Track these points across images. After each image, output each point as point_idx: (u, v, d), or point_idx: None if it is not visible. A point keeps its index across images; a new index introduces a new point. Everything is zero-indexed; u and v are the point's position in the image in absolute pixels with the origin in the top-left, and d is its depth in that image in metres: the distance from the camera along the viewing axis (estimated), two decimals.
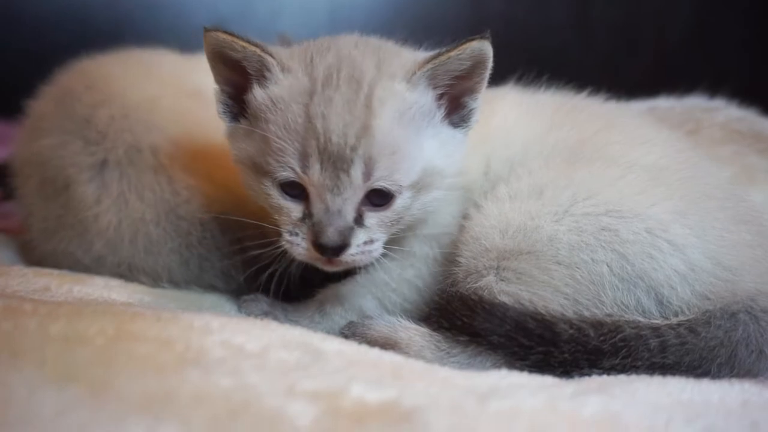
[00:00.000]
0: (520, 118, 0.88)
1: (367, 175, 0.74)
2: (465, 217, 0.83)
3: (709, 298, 0.70)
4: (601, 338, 0.66)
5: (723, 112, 1.20)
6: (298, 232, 0.77)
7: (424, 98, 0.78)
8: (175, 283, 0.96)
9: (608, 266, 0.71)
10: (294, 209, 0.77)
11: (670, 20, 2.08)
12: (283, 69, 0.77)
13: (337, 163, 0.73)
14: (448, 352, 0.71)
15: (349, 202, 0.75)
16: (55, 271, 0.95)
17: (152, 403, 0.49)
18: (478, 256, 0.76)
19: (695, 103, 1.22)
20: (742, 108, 1.25)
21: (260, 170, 0.77)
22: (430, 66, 0.77)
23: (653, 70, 2.11)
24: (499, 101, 0.91)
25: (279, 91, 0.76)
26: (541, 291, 0.71)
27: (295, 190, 0.76)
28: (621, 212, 0.73)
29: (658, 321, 0.69)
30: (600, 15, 2.02)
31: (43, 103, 1.03)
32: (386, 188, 0.75)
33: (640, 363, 0.66)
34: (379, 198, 0.76)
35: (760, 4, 2.11)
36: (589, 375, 0.65)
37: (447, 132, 0.80)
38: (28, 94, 1.09)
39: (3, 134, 1.20)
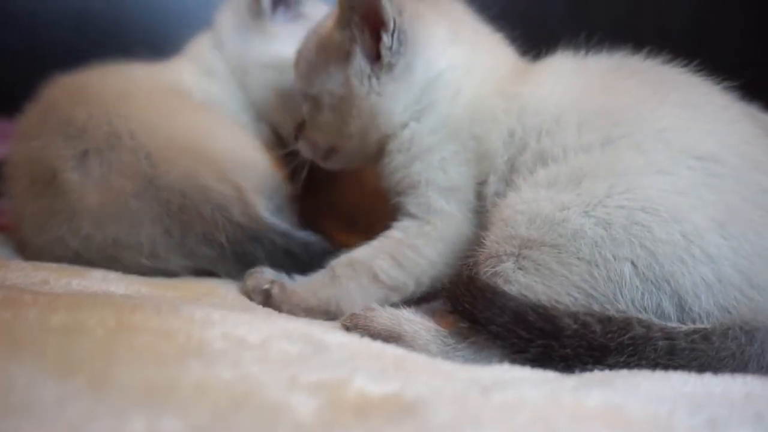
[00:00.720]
0: (557, 83, 0.85)
1: None
2: (498, 194, 0.83)
3: (730, 312, 0.67)
4: (609, 335, 0.65)
5: None
6: None
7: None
8: (158, 256, 1.00)
9: (633, 264, 0.68)
10: None
11: (671, 16, 2.08)
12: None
13: None
14: (454, 347, 0.70)
15: None
16: (54, 265, 0.95)
17: (153, 395, 0.48)
18: (501, 240, 0.74)
19: None
20: (744, 104, 1.24)
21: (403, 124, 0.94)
22: None
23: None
24: (537, 71, 0.90)
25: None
26: (556, 285, 0.69)
27: None
28: (658, 211, 0.69)
29: (672, 324, 0.66)
30: (600, 10, 2.02)
31: (28, 116, 1.10)
32: None
33: (644, 363, 0.64)
34: None
35: (760, 2, 2.10)
36: (591, 371, 0.64)
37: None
38: (28, 92, 1.11)
39: (4, 132, 1.21)
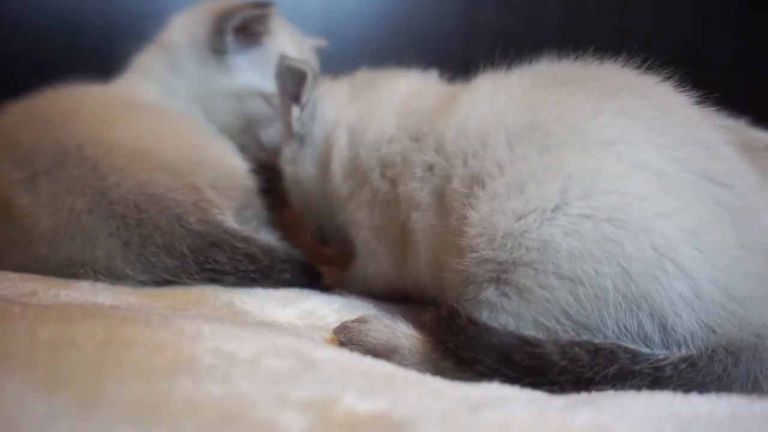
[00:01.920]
0: (475, 106, 0.83)
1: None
2: (431, 226, 0.86)
3: (715, 332, 0.64)
4: (595, 368, 0.62)
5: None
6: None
7: None
8: (115, 272, 0.97)
9: (612, 281, 0.64)
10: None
11: (660, 33, 2.11)
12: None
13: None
14: (447, 368, 0.68)
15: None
16: (42, 276, 0.94)
17: (142, 411, 0.48)
18: (474, 265, 0.71)
19: None
20: (731, 118, 1.26)
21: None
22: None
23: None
24: (454, 99, 0.89)
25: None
26: (543, 310, 0.66)
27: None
28: (625, 222, 0.65)
29: (659, 353, 0.64)
30: (591, 27, 2.04)
31: None
32: None
33: (629, 388, 0.63)
34: None
35: (750, 18, 2.14)
36: (578, 392, 0.63)
37: None
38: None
39: None
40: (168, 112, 1.17)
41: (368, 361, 0.68)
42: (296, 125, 1.09)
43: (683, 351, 0.64)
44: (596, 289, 0.65)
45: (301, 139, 1.09)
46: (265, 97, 1.23)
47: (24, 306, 0.69)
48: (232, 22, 1.18)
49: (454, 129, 0.83)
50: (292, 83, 1.08)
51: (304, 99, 1.08)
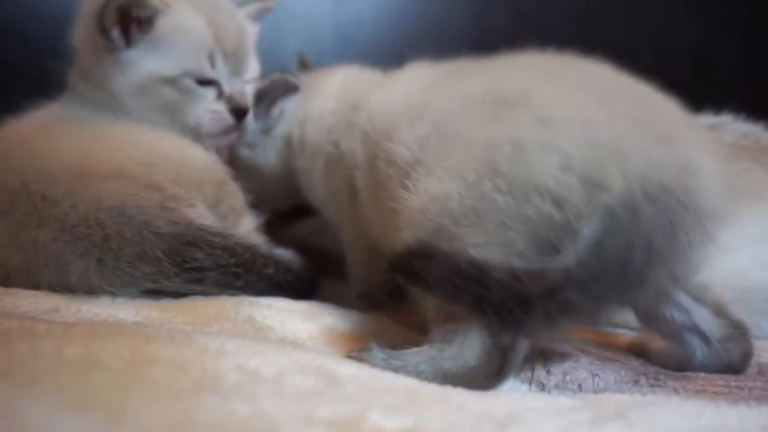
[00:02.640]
0: (399, 88, 0.98)
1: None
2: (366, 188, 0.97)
3: (603, 186, 0.67)
4: (531, 283, 0.65)
5: (730, 128, 1.19)
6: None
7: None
8: (94, 290, 0.95)
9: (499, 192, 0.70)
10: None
11: (671, 38, 2.10)
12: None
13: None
14: (440, 353, 0.71)
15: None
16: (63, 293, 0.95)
17: (169, 431, 0.48)
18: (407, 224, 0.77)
19: (703, 121, 1.22)
20: (749, 123, 1.25)
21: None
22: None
23: (654, 86, 2.12)
24: (389, 81, 1.04)
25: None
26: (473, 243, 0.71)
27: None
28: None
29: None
30: (600, 33, 2.04)
31: None
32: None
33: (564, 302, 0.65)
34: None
35: (761, 23, 2.12)
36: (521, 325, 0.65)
37: None
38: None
39: None
40: (103, 125, 1.09)
41: (389, 377, 0.68)
42: (251, 135, 1.19)
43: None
44: (493, 206, 0.71)
45: (263, 130, 1.19)
46: (169, 81, 1.09)
47: (49, 324, 0.70)
48: (109, 18, 1.05)
49: (381, 105, 0.97)
50: (276, 94, 1.17)
51: (275, 108, 1.18)
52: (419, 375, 0.69)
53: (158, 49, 1.08)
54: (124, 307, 0.92)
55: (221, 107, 1.12)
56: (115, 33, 1.07)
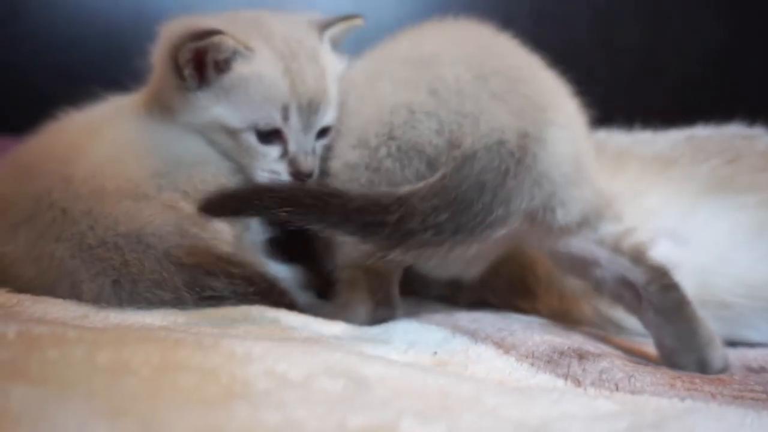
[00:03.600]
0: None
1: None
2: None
3: (458, 145, 0.84)
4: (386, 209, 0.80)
5: (762, 140, 1.18)
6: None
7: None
8: (105, 307, 0.93)
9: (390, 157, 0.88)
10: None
11: (695, 44, 2.07)
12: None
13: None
14: (338, 313, 0.93)
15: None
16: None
17: None
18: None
19: (734, 132, 1.21)
20: None
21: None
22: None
23: (677, 92, 2.10)
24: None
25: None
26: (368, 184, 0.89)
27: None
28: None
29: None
30: (623, 35, 2.02)
31: None
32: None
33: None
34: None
35: None
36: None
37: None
38: (42, 110, 1.10)
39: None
40: (137, 125, 1.05)
41: (419, 377, 0.67)
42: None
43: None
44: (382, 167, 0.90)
45: None
46: (232, 133, 1.00)
47: (79, 330, 0.70)
48: (183, 57, 0.97)
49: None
50: None
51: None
52: (325, 317, 0.94)
53: (228, 97, 0.98)
54: (151, 312, 0.93)
55: (282, 168, 1.00)
56: (188, 72, 0.98)
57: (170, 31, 1.01)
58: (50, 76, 1.98)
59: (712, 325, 0.90)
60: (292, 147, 1.00)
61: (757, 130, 1.22)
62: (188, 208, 0.96)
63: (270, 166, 1.00)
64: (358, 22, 1.11)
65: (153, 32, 1.04)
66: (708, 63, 1.99)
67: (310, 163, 1.00)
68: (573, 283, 1.10)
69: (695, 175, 1.10)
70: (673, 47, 2.02)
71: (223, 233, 0.98)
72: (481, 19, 1.10)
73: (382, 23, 2.02)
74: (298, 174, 1.00)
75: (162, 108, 1.04)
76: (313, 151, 1.01)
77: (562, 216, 0.88)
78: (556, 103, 0.92)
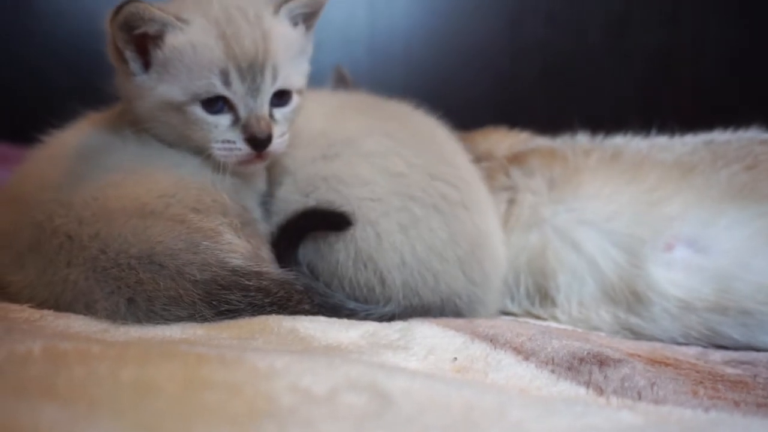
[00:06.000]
0: (306, 111, 1.09)
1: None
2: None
3: (419, 295, 1.01)
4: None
5: None
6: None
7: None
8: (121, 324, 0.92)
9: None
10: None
11: (708, 48, 2.05)
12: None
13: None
14: None
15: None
16: None
17: None
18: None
19: (752, 137, 1.21)
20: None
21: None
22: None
23: (690, 97, 2.09)
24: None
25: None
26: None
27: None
28: (358, 216, 1.03)
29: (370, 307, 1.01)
30: (637, 41, 2.00)
31: None
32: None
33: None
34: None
35: None
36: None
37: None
38: (48, 119, 1.10)
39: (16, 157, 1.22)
40: (127, 152, 1.04)
41: (443, 389, 0.66)
42: None
43: (392, 306, 1.01)
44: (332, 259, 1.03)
45: None
46: (177, 108, 0.98)
47: (102, 345, 0.71)
48: (119, 39, 0.96)
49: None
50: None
51: None
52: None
53: (168, 72, 0.96)
54: (170, 326, 0.93)
55: (235, 136, 0.98)
56: (129, 55, 0.97)
57: (106, 20, 0.98)
58: (64, 83, 2.00)
59: (735, 331, 0.90)
60: (242, 112, 0.98)
61: None
62: (197, 220, 0.96)
63: (223, 136, 0.98)
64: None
65: None
66: (723, 67, 1.97)
67: (263, 127, 0.98)
68: (592, 290, 1.10)
69: (715, 182, 1.10)
70: (687, 52, 2.00)
71: (234, 245, 0.98)
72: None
73: (396, 27, 2.03)
74: (253, 139, 0.98)
75: (129, 112, 1.02)
76: (271, 117, 1.00)
77: None
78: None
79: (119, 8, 0.94)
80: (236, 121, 0.98)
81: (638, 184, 1.13)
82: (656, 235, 1.08)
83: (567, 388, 0.77)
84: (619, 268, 1.10)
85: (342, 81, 1.47)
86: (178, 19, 0.96)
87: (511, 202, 1.21)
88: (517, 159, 1.26)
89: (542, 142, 1.33)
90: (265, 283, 0.96)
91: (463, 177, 1.10)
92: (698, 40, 2.06)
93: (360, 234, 1.02)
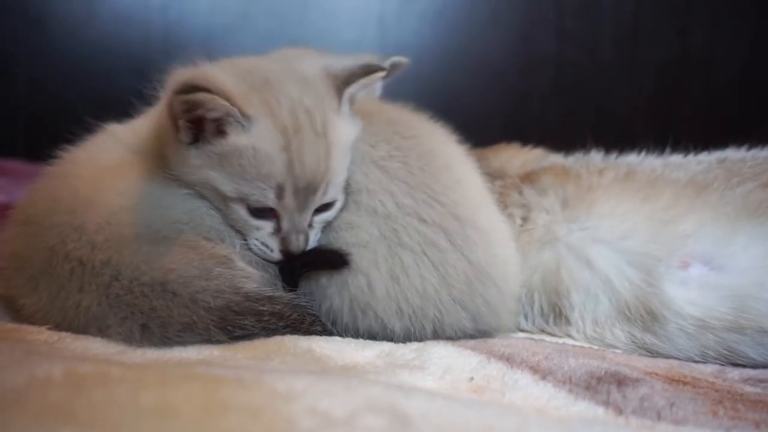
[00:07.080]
0: None
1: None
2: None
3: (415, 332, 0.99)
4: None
5: None
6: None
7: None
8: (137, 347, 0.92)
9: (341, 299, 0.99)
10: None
11: (720, 61, 2.05)
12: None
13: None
14: None
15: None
16: None
17: None
18: None
19: (767, 155, 1.20)
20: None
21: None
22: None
23: (702, 110, 2.09)
24: None
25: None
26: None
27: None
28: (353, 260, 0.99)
29: None
30: (647, 54, 2.00)
31: None
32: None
33: None
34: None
35: None
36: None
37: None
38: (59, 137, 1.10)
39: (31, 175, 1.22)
40: (140, 177, 1.03)
41: (461, 411, 0.66)
42: None
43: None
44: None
45: None
46: (224, 198, 0.97)
47: (121, 367, 0.71)
48: (175, 108, 0.94)
49: None
50: None
51: None
52: None
53: (221, 164, 0.94)
54: (186, 348, 0.93)
55: (274, 245, 0.99)
56: (182, 124, 0.94)
57: (175, 78, 0.97)
58: (79, 101, 2.02)
59: (753, 350, 0.89)
60: (285, 225, 0.97)
61: None
62: (210, 246, 0.96)
63: (262, 239, 0.98)
64: (379, 74, 1.04)
65: (181, 58, 1.04)
66: (734, 81, 1.97)
67: (301, 244, 0.97)
68: (607, 309, 1.10)
69: (730, 199, 1.09)
70: (698, 64, 2.01)
71: (247, 271, 0.98)
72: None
73: (406, 44, 2.04)
74: (287, 253, 0.98)
75: (160, 150, 1.01)
76: (310, 226, 0.99)
77: None
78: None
79: (189, 89, 0.90)
80: (277, 230, 0.98)
81: (652, 202, 1.12)
82: (671, 253, 1.07)
83: (585, 408, 0.76)
84: (633, 287, 1.08)
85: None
86: (243, 114, 0.92)
87: (525, 220, 1.20)
88: (529, 177, 1.25)
89: (555, 159, 1.33)
90: (278, 307, 0.96)
91: (457, 214, 1.01)
92: (709, 53, 2.06)
93: (352, 281, 0.97)
